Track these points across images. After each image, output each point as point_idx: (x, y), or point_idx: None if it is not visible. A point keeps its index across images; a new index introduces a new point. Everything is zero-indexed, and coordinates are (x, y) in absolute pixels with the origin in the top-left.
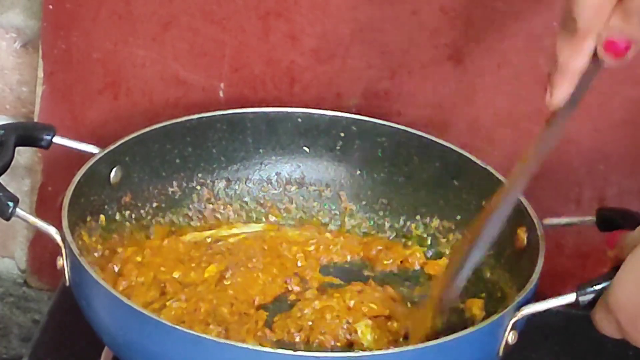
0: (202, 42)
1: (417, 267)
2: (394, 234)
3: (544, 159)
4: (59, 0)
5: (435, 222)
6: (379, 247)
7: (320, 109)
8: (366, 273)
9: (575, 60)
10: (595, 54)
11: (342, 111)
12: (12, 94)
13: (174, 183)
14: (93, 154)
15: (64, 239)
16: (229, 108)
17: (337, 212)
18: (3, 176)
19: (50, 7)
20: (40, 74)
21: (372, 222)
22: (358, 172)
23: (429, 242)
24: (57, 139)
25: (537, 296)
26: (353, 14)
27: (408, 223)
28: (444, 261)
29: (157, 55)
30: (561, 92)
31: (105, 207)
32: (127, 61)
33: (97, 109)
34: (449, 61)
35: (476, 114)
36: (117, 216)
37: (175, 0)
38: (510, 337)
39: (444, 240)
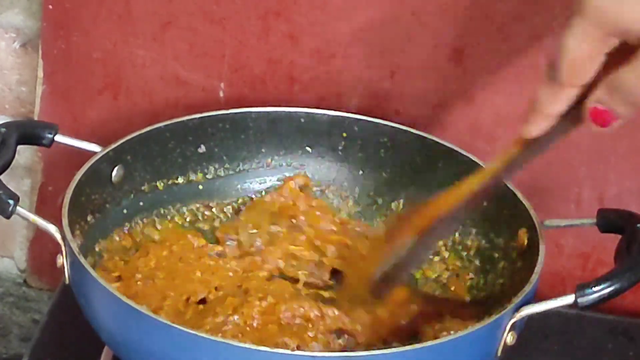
0: (202, 42)
1: None
2: None
3: (506, 178)
4: (58, 0)
5: None
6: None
7: (320, 108)
8: None
9: (552, 105)
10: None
11: (341, 111)
12: (12, 93)
13: (176, 182)
14: (94, 153)
15: (64, 237)
16: (228, 108)
17: (339, 212)
18: (2, 175)
19: (50, 7)
20: (40, 73)
21: (373, 222)
22: (360, 172)
23: None
24: (58, 138)
25: (536, 296)
26: (353, 14)
27: None
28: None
29: (157, 55)
30: (535, 129)
31: (107, 205)
32: (127, 61)
33: (97, 109)
34: (449, 61)
35: (476, 114)
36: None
37: (175, 0)
38: (509, 337)
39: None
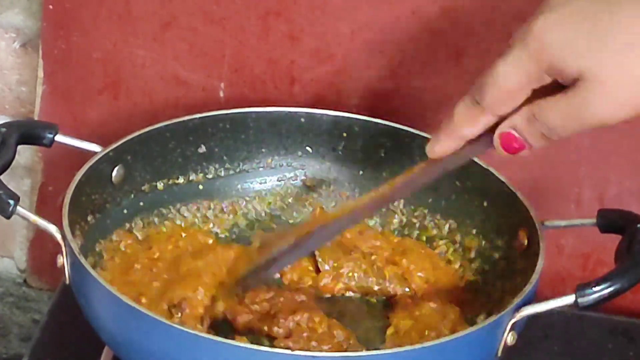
0: (202, 42)
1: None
2: (396, 233)
3: (407, 192)
4: (59, 0)
5: (437, 222)
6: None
7: (320, 108)
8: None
9: (466, 127)
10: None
11: (341, 111)
12: (12, 93)
13: (176, 182)
14: (94, 153)
15: (64, 237)
16: (228, 108)
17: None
18: (2, 175)
19: (50, 7)
20: (41, 73)
21: (373, 222)
22: (360, 172)
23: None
24: (59, 138)
25: (536, 297)
26: (353, 14)
27: (410, 223)
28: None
29: (157, 55)
30: (441, 148)
31: (107, 205)
32: (127, 61)
33: (97, 109)
34: (449, 61)
35: None
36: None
37: (175, 0)
38: (510, 338)
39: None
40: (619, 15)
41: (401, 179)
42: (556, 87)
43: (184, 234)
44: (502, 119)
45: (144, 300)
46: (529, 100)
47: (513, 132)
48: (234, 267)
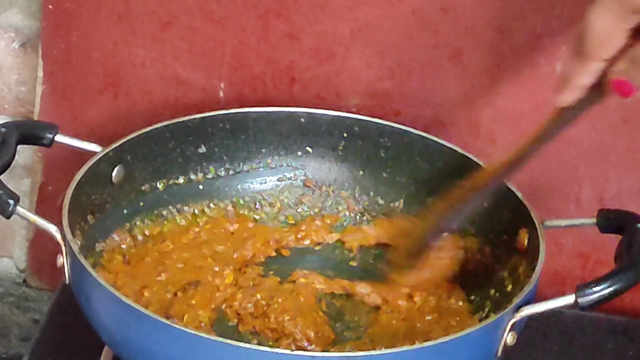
0: (201, 42)
1: None
2: None
3: (537, 153)
4: (58, 0)
5: None
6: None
7: (320, 108)
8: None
9: (578, 77)
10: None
11: (341, 111)
12: (11, 93)
13: (176, 182)
14: (94, 153)
15: (64, 237)
16: (228, 108)
17: (339, 212)
18: (2, 175)
19: (50, 6)
20: (40, 73)
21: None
22: (360, 172)
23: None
24: (59, 138)
25: (536, 296)
26: (353, 13)
27: None
28: None
29: (157, 55)
30: (566, 98)
31: (107, 205)
32: (127, 61)
33: (97, 108)
34: (449, 61)
35: (476, 114)
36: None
37: (175, 0)
38: (509, 338)
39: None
40: None
41: (534, 133)
42: None
43: (201, 223)
44: (610, 64)
45: (146, 294)
46: (630, 45)
47: (620, 77)
48: (396, 240)
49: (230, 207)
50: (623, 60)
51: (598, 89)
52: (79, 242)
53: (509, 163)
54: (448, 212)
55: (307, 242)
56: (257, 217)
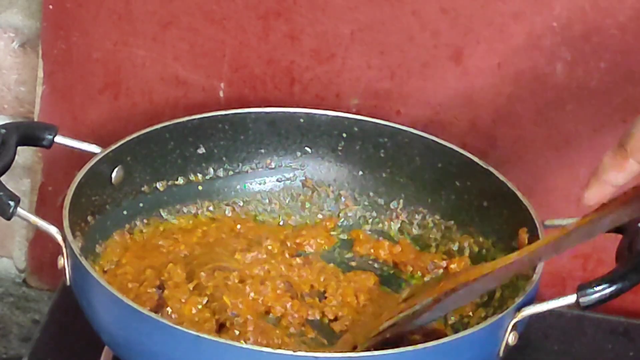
0: (202, 42)
1: (410, 268)
2: (396, 233)
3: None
4: (59, 0)
5: (437, 222)
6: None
7: (320, 109)
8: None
9: (612, 172)
10: None
11: (341, 111)
12: (11, 93)
13: (176, 183)
14: (94, 154)
15: (65, 239)
16: (229, 108)
17: (338, 213)
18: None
19: (50, 7)
20: (40, 73)
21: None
22: (360, 172)
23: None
24: (59, 139)
25: (537, 297)
26: (353, 14)
27: (409, 223)
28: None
29: (157, 55)
30: (590, 193)
31: (107, 206)
32: (127, 61)
33: (97, 109)
34: (449, 61)
35: (476, 114)
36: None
37: (175, 0)
38: (511, 338)
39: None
40: None
41: (556, 236)
42: None
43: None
44: None
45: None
46: None
47: None
48: (377, 314)
49: (229, 208)
50: None
51: (634, 205)
52: (80, 243)
53: (501, 267)
54: (431, 306)
55: (306, 243)
56: (257, 217)
